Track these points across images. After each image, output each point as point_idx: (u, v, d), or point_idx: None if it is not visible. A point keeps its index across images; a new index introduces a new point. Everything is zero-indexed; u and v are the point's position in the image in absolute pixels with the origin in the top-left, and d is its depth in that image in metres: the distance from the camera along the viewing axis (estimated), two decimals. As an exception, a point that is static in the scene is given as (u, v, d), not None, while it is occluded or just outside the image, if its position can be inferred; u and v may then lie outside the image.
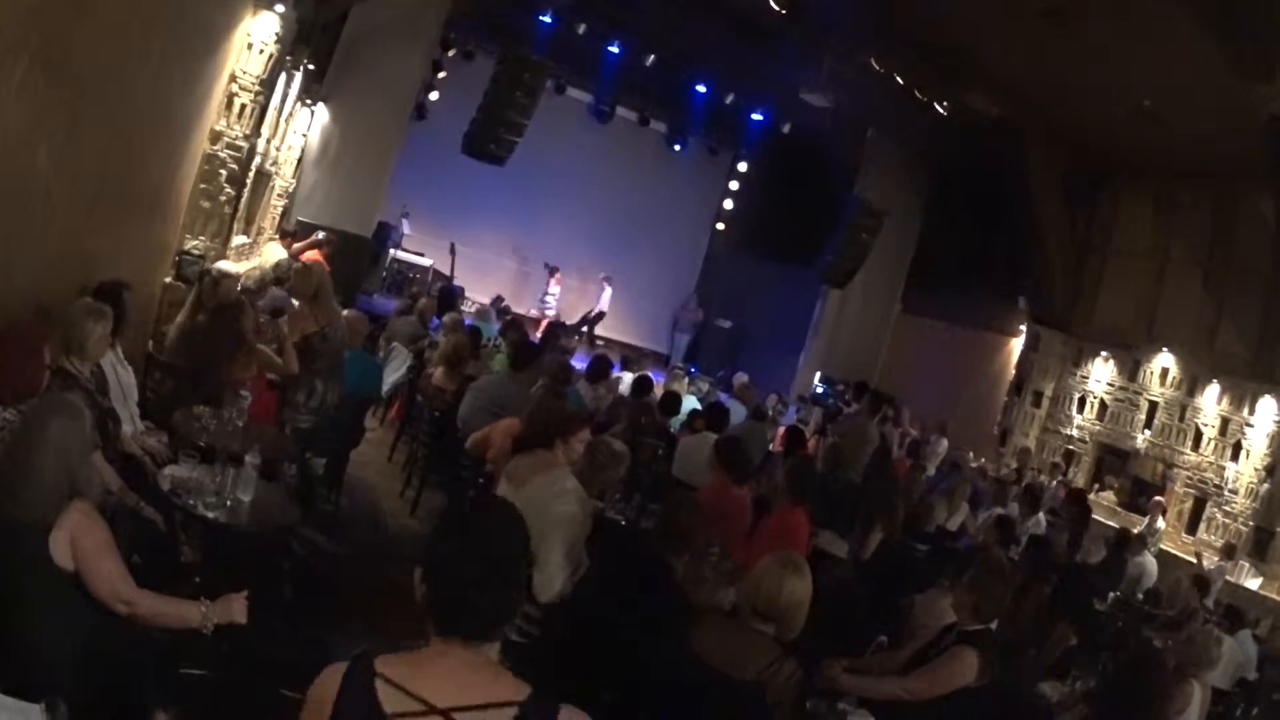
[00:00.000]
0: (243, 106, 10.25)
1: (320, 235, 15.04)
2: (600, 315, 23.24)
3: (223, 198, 10.38)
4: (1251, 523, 14.59)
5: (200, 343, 7.55)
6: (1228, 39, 11.48)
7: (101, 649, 3.78)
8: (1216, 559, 14.01)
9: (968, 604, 5.23)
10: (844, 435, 12.00)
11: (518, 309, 20.49)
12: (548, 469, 6.06)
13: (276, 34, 10.33)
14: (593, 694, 4.92)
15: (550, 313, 22.14)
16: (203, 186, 10.03)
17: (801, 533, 7.02)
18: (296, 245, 14.58)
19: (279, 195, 15.10)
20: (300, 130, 15.59)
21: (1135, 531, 13.75)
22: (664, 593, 5.01)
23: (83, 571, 3.78)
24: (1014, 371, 19.50)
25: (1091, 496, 16.74)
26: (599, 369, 11.47)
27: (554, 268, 22.65)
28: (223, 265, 9.30)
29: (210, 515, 5.00)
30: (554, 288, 22.47)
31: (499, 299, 19.16)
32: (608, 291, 23.15)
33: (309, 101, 15.31)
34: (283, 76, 11.66)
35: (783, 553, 4.63)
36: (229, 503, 5.07)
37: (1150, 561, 12.74)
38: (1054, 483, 16.07)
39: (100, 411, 5.37)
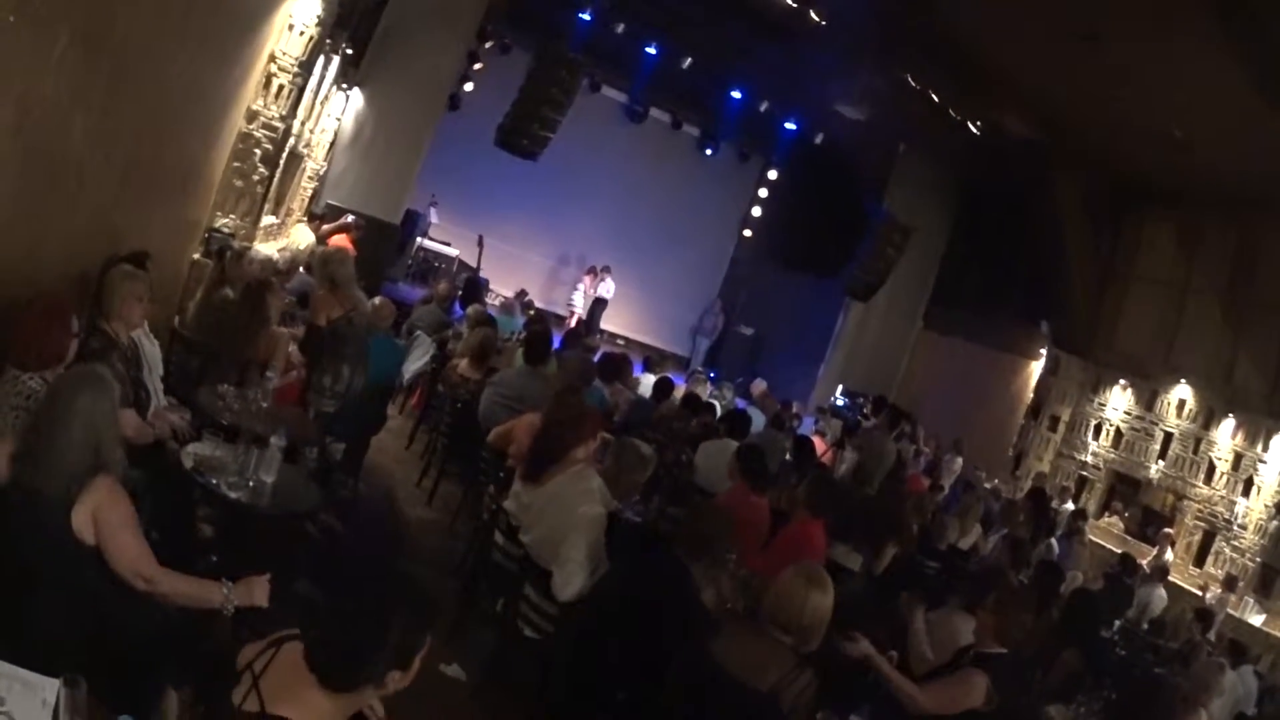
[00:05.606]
0: (280, 87, 10.24)
1: (349, 219, 15.10)
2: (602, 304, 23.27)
3: (255, 177, 10.37)
4: (1259, 559, 14.57)
5: (222, 319, 7.56)
6: (1260, 70, 11.43)
7: (119, 625, 3.78)
8: (1219, 590, 14.01)
9: (990, 627, 5.21)
10: (862, 449, 12.00)
11: (542, 305, 20.52)
12: (572, 469, 6.05)
13: (318, 17, 10.33)
14: (607, 694, 4.94)
15: (577, 310, 22.19)
16: (236, 165, 10.00)
17: (818, 545, 7.00)
18: (325, 228, 14.62)
19: (310, 177, 15.12)
20: (334, 114, 15.63)
21: (1143, 562, 13.76)
22: (682, 597, 5.00)
23: (104, 547, 3.79)
24: (1032, 394, 19.45)
25: (1100, 523, 16.77)
26: (613, 367, 11.43)
27: (593, 267, 22.83)
28: (257, 247, 9.32)
29: (233, 496, 4.98)
30: (590, 288, 22.56)
31: (523, 293, 19.13)
32: (607, 282, 23.14)
33: (344, 86, 15.36)
34: (321, 59, 11.66)
35: (806, 565, 4.63)
36: (251, 483, 5.05)
37: (1160, 592, 12.74)
38: (1064, 506, 16.04)
39: (134, 383, 5.39)
